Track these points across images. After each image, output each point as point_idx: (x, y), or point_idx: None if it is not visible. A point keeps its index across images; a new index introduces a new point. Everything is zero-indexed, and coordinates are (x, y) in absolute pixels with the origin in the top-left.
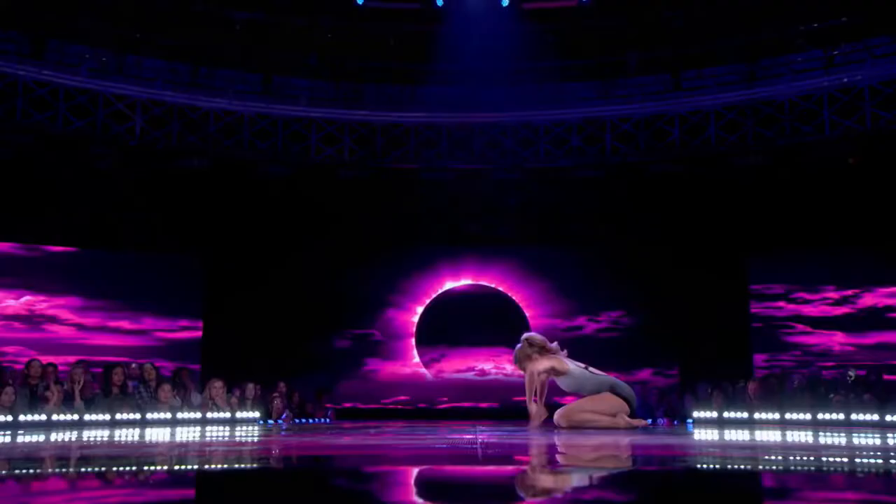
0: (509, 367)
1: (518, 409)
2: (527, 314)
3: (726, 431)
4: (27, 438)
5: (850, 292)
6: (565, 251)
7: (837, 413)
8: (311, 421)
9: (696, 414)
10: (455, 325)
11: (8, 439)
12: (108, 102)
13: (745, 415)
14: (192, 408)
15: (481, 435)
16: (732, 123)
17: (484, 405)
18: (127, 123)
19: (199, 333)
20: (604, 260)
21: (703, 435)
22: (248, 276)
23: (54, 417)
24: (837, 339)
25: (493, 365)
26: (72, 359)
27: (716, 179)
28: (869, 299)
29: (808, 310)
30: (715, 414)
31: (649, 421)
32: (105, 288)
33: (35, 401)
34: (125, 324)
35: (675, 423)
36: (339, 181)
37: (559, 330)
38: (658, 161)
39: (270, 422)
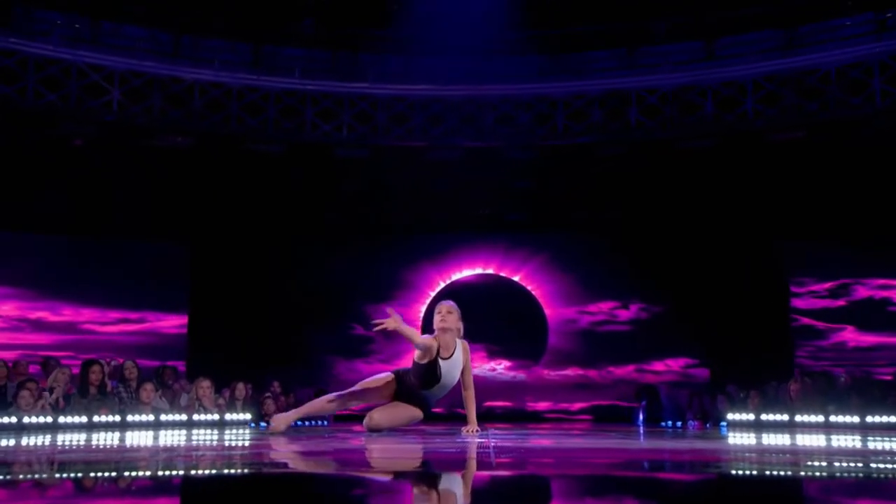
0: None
1: (536, 412)
2: (543, 306)
3: (764, 435)
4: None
5: None
6: (585, 237)
7: (889, 415)
8: (306, 424)
9: (730, 416)
10: (465, 319)
11: None
12: (83, 74)
13: (786, 417)
14: (177, 409)
15: (493, 440)
16: (771, 95)
17: (499, 405)
18: (103, 97)
19: (185, 328)
20: (627, 246)
21: (738, 439)
22: (238, 264)
23: (25, 420)
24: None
25: (508, 363)
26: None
27: (752, 157)
28: None
29: (855, 303)
30: (752, 416)
31: (678, 424)
32: (78, 279)
33: (3, 402)
34: (100, 317)
35: (708, 426)
36: (337, 160)
37: (579, 323)
38: (688, 137)
39: (263, 424)
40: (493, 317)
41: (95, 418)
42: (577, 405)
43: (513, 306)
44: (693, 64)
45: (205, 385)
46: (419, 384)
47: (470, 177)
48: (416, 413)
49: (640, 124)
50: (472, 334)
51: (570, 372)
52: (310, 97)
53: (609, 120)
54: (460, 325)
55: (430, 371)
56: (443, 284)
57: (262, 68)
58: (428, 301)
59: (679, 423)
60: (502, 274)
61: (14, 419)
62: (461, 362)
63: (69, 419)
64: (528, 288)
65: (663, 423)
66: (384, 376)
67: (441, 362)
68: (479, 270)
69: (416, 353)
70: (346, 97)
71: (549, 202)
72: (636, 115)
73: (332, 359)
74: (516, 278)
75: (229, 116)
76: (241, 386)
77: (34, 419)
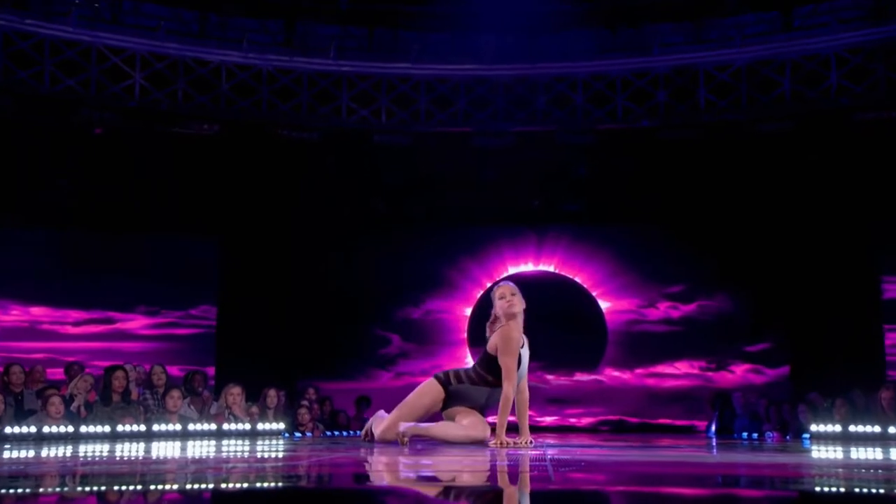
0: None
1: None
2: (602, 305)
3: (853, 449)
4: (18, 454)
5: None
6: (648, 229)
7: None
8: (344, 434)
9: (813, 427)
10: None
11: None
12: (103, 57)
13: (877, 429)
14: (205, 418)
15: (550, 451)
16: (857, 70)
17: (547, 419)
18: (125, 81)
19: (213, 330)
20: (695, 238)
21: (823, 453)
22: (269, 261)
23: (45, 430)
24: None
25: (565, 369)
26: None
27: (836, 139)
28: None
29: None
30: (838, 427)
31: (755, 436)
32: (98, 276)
33: (20, 410)
34: (123, 318)
35: (788, 437)
36: (375, 148)
37: (638, 323)
38: (764, 118)
39: (298, 434)
40: (546, 319)
41: (119, 428)
42: (636, 417)
43: (567, 306)
44: (768, 36)
45: (235, 392)
46: (493, 380)
47: (519, 165)
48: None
49: (711, 105)
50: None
51: (628, 377)
52: (345, 79)
53: (675, 101)
54: (524, 307)
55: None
56: (489, 284)
57: (295, 48)
58: (476, 299)
59: (755, 435)
60: (554, 269)
61: (33, 428)
62: (527, 354)
63: (91, 429)
64: (585, 285)
65: (737, 435)
66: (428, 388)
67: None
68: (529, 266)
69: (495, 340)
70: (384, 79)
71: (608, 192)
72: (705, 95)
73: (372, 363)
74: (570, 274)
75: (259, 101)
76: (272, 393)
77: (54, 429)
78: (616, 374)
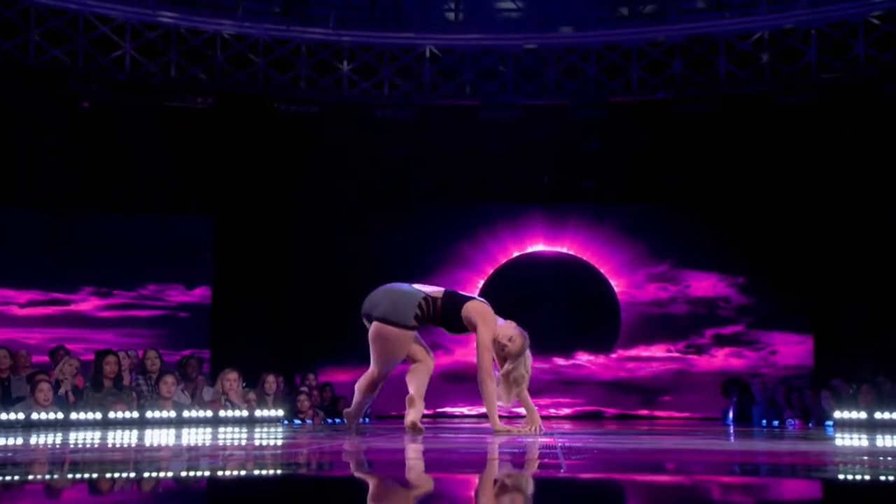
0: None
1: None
2: (615, 287)
3: (879, 437)
4: (5, 441)
5: None
6: (663, 207)
7: None
8: (345, 421)
9: (837, 414)
10: (525, 302)
11: None
12: (91, 26)
13: None
14: (199, 404)
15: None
16: (887, 38)
17: (565, 404)
18: (114, 52)
19: (208, 312)
20: (713, 216)
21: (847, 440)
22: (267, 240)
23: (34, 417)
24: None
25: (577, 351)
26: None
27: (864, 111)
28: None
29: None
30: (863, 415)
31: (775, 423)
32: (87, 257)
33: (7, 397)
34: (105, 302)
35: (810, 425)
36: (377, 122)
37: (654, 304)
38: (787, 90)
39: (297, 422)
40: (557, 301)
41: (111, 415)
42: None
43: (579, 288)
44: (792, 3)
45: (232, 377)
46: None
47: (529, 139)
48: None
49: (731, 76)
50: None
51: (645, 363)
52: (346, 50)
53: (693, 71)
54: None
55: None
56: (496, 265)
57: (292, 17)
58: (483, 280)
59: (776, 423)
60: (565, 249)
61: (21, 415)
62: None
63: (81, 415)
64: (596, 265)
65: (756, 422)
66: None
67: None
68: (539, 247)
69: (480, 317)
70: (386, 49)
71: (621, 167)
72: (725, 65)
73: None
74: (581, 254)
75: (255, 73)
76: (271, 378)
77: (43, 415)
78: (628, 359)
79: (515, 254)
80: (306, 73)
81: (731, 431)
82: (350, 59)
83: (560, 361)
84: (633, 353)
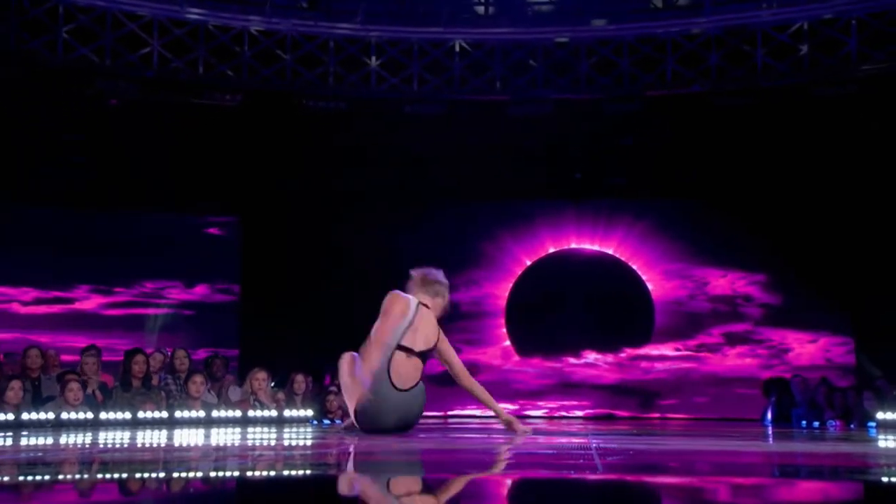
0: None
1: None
2: (649, 285)
3: None
4: (36, 441)
5: None
6: (698, 203)
7: None
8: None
9: (880, 415)
10: (556, 300)
11: (17, 442)
12: (119, 23)
13: None
14: (225, 404)
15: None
16: None
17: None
18: (142, 49)
19: (236, 311)
20: (751, 212)
21: (891, 442)
22: (294, 238)
23: (64, 416)
24: None
25: (607, 354)
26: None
27: None
28: None
29: None
30: None
31: (815, 424)
32: (114, 259)
33: (38, 396)
34: (137, 300)
35: (852, 426)
36: (406, 117)
37: (689, 303)
38: (826, 83)
39: (326, 422)
40: (591, 298)
41: (140, 414)
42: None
43: (612, 285)
44: None
45: (260, 377)
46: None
47: (560, 135)
48: None
49: (768, 68)
50: (565, 318)
51: (677, 363)
52: (374, 45)
53: (729, 64)
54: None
55: None
56: (529, 262)
57: (320, 12)
58: (515, 279)
59: (816, 423)
60: (597, 246)
61: (52, 415)
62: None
63: (111, 415)
64: (630, 263)
65: (795, 423)
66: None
67: None
68: (571, 244)
69: None
70: (415, 44)
71: (655, 163)
72: (762, 58)
73: None
74: (614, 251)
75: (283, 69)
76: (300, 378)
77: (73, 415)
78: (667, 354)
79: (551, 250)
80: (334, 68)
81: (770, 433)
82: (378, 55)
83: (589, 359)
84: (664, 351)
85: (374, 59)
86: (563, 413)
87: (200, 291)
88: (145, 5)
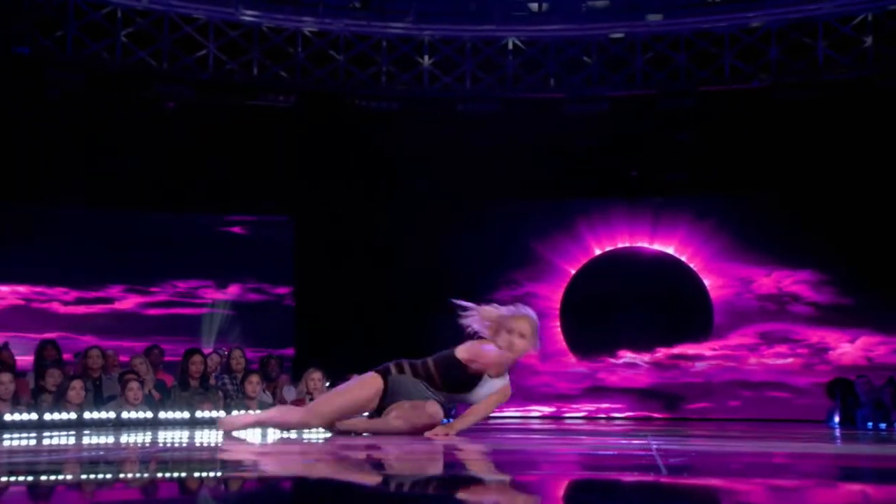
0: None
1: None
2: (706, 282)
3: None
4: (97, 439)
5: None
6: (756, 199)
7: None
8: None
9: None
10: (612, 300)
11: (79, 440)
12: (175, 27)
13: None
14: (283, 404)
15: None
16: None
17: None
18: (198, 52)
19: (290, 311)
20: (812, 210)
21: None
22: (347, 238)
23: (124, 415)
24: None
25: (669, 350)
26: (125, 343)
27: None
28: None
29: None
30: None
31: (882, 426)
32: (170, 259)
33: (99, 396)
34: (190, 300)
35: None
36: (459, 116)
37: (749, 302)
38: (892, 75)
39: None
40: (646, 298)
41: (198, 414)
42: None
43: (669, 284)
44: None
45: (316, 377)
46: (443, 384)
47: (615, 132)
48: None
49: (831, 61)
50: (622, 318)
51: (735, 362)
52: (427, 44)
53: (789, 57)
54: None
55: (469, 380)
56: (583, 261)
57: (373, 12)
58: (569, 279)
59: (883, 425)
60: (653, 244)
61: (112, 414)
62: (497, 391)
63: (170, 415)
64: (688, 261)
65: (860, 425)
66: (368, 380)
67: (487, 379)
68: (625, 242)
69: (475, 355)
70: (468, 42)
71: (713, 159)
72: (824, 50)
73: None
74: (671, 249)
75: (336, 70)
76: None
77: (133, 414)
78: (726, 353)
79: (606, 249)
80: (386, 68)
81: (837, 434)
82: (431, 54)
83: (646, 359)
84: (726, 351)
85: (426, 58)
86: (615, 414)
87: (256, 291)
88: (201, 8)
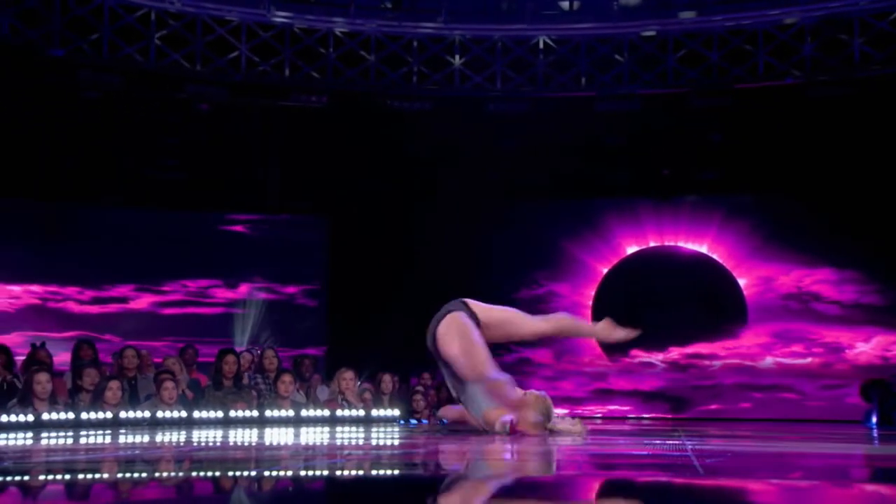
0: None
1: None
2: (740, 282)
3: None
4: (133, 439)
5: None
6: (790, 199)
7: None
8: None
9: None
10: (645, 301)
11: (115, 440)
12: (208, 28)
13: None
14: (313, 403)
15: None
16: None
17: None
18: (230, 54)
19: (323, 311)
20: (846, 210)
21: None
22: (380, 238)
23: (159, 415)
24: None
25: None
26: (156, 343)
27: None
28: None
29: None
30: None
31: None
32: (201, 258)
33: (134, 395)
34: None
35: None
36: (488, 116)
37: (785, 299)
38: None
39: (413, 422)
40: (679, 298)
41: (231, 413)
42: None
43: (702, 284)
44: None
45: (348, 377)
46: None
47: (647, 130)
48: None
49: (867, 58)
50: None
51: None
52: (458, 44)
53: (824, 54)
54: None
55: None
56: (615, 260)
57: (403, 12)
58: (600, 278)
59: None
60: (685, 244)
61: (147, 414)
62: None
63: (203, 414)
64: (721, 260)
65: None
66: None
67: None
68: (657, 241)
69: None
70: (499, 42)
71: (746, 158)
72: (860, 47)
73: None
74: (703, 249)
75: (367, 70)
76: (387, 378)
77: (168, 414)
78: (761, 354)
79: (637, 248)
80: (418, 68)
81: (875, 435)
82: (462, 53)
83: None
84: (760, 351)
85: (457, 57)
86: (645, 414)
87: (288, 291)
88: (234, 10)
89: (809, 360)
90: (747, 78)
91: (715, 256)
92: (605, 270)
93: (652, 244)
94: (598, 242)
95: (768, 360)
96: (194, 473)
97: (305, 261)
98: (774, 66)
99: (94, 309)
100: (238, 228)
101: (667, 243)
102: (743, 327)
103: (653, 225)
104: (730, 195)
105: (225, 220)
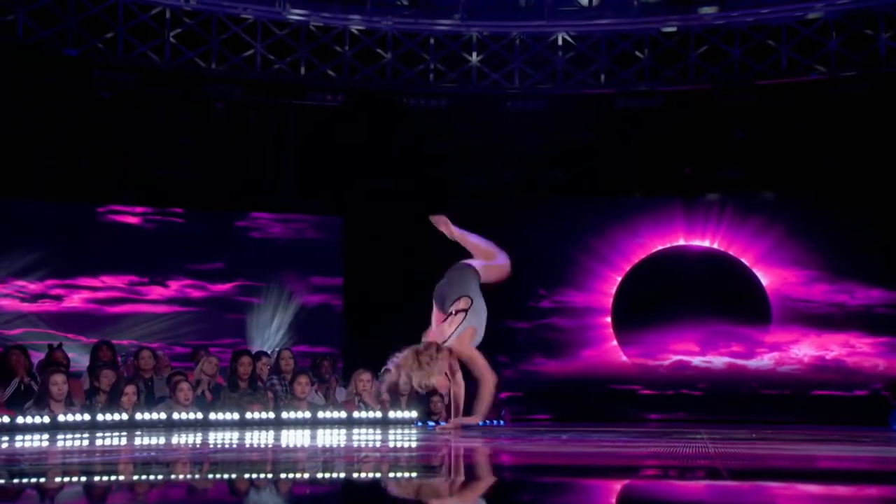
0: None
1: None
2: (764, 282)
3: None
4: (149, 440)
5: None
6: (816, 196)
7: None
8: (480, 423)
9: None
10: (667, 299)
11: (131, 441)
12: (223, 27)
13: None
14: (332, 405)
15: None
16: None
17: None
18: (246, 52)
19: (339, 312)
20: (873, 207)
21: None
22: (397, 238)
23: (175, 416)
24: None
25: (722, 352)
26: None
27: None
28: None
29: None
30: None
31: None
32: (216, 259)
33: (150, 397)
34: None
35: None
36: (507, 114)
37: (807, 305)
38: None
39: (431, 423)
40: (702, 298)
41: (247, 415)
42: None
43: (726, 284)
44: None
45: (365, 378)
46: None
47: (669, 128)
48: None
49: (893, 53)
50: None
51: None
52: (475, 41)
53: (849, 49)
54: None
55: None
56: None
57: (420, 9)
58: (622, 277)
59: None
60: (709, 243)
61: (163, 415)
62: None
63: (219, 416)
64: (744, 260)
65: None
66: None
67: None
68: (680, 241)
69: None
70: (517, 38)
71: (770, 155)
72: (886, 42)
73: (508, 343)
74: (727, 248)
75: (384, 68)
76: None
77: (183, 415)
78: (786, 355)
79: (658, 247)
80: (434, 66)
81: None
82: (479, 50)
83: (704, 359)
84: (778, 352)
85: (474, 55)
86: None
87: (302, 291)
88: (249, 7)
89: (832, 361)
90: (770, 74)
91: (736, 255)
92: (627, 268)
93: (673, 243)
94: (620, 240)
95: (792, 358)
96: (211, 476)
97: (321, 261)
98: (798, 61)
99: (111, 309)
100: (251, 227)
101: (689, 242)
102: (767, 326)
103: (679, 223)
104: (753, 193)
105: (237, 220)
